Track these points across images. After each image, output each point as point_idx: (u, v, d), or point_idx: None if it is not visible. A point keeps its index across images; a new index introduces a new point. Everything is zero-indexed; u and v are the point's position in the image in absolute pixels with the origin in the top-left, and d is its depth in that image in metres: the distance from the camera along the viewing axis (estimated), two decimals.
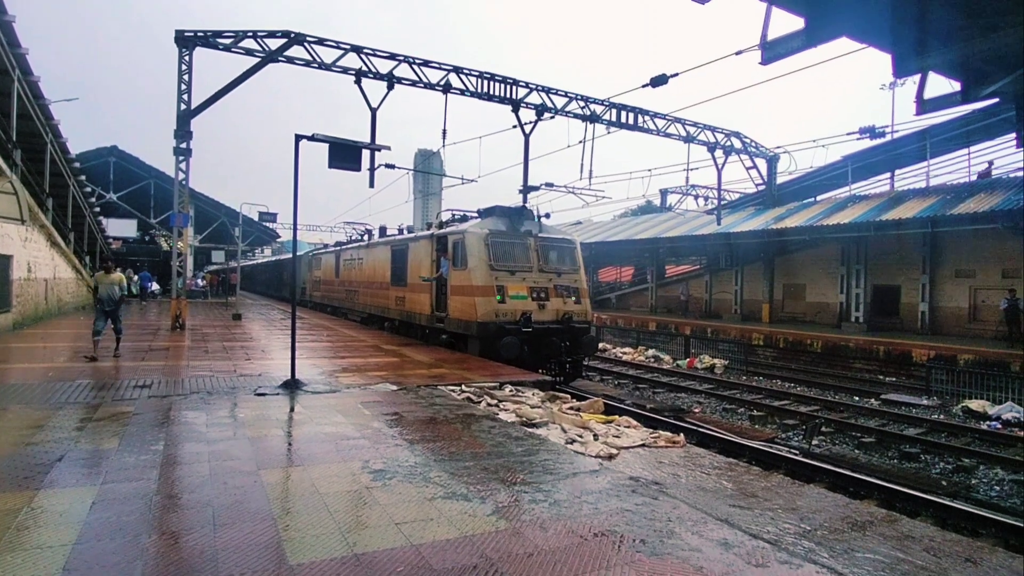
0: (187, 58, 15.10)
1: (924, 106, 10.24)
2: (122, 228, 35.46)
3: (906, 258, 22.16)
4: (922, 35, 8.04)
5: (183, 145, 15.19)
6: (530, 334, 12.06)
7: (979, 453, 9.90)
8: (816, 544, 3.69)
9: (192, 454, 5.02)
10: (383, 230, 20.64)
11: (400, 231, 19.52)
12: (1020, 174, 19.80)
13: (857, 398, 14.45)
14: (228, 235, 37.86)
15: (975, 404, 13.00)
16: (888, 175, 24.69)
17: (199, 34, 15.13)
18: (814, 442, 10.70)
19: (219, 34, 15.27)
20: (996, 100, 11.26)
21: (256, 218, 31.83)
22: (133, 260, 40.01)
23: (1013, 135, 13.75)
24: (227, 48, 15.33)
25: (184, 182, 15.51)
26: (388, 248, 17.49)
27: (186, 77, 15.11)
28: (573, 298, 13.11)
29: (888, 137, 22.93)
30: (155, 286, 35.15)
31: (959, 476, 9.11)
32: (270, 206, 26.86)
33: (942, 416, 12.71)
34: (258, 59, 15.51)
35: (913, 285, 21.98)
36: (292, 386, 8.09)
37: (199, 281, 36.78)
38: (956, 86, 10.03)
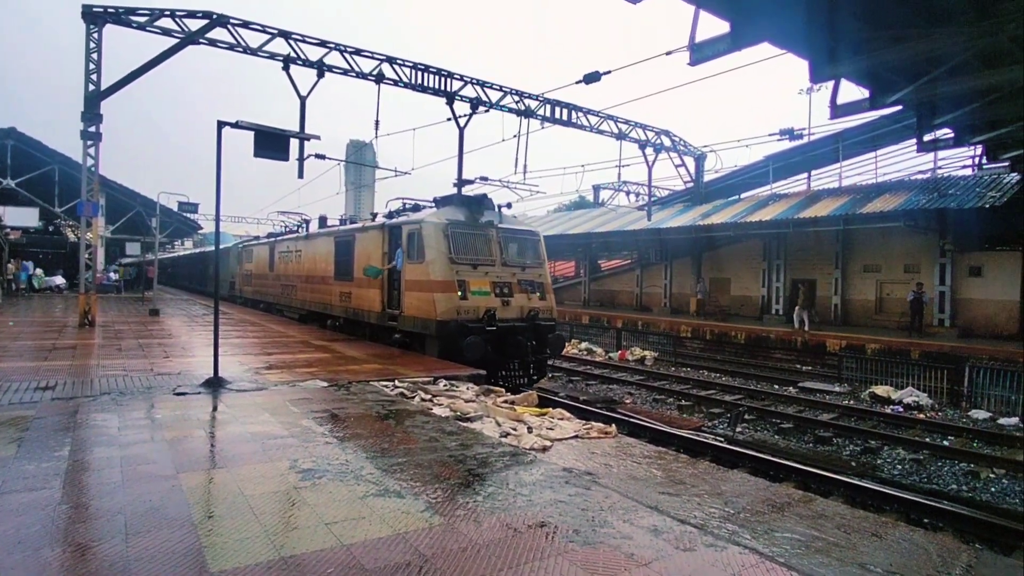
0: (95, 35, 14.04)
1: (837, 111, 10.90)
2: (22, 217, 32.54)
3: (821, 254, 23.58)
4: (834, 44, 8.56)
5: (92, 129, 14.12)
6: (494, 333, 11.28)
7: (884, 435, 10.69)
8: (739, 526, 3.86)
9: (102, 459, 4.68)
10: (323, 220, 19.46)
11: (342, 221, 18.39)
12: (920, 177, 21.48)
13: (777, 386, 15.26)
14: (144, 226, 35.59)
15: (881, 390, 14.00)
16: (806, 175, 26.21)
17: (109, 10, 14.08)
18: (738, 429, 11.22)
19: (132, 11, 14.27)
20: (900, 108, 12.12)
21: (175, 208, 30.04)
22: (35, 252, 36.98)
23: (915, 140, 14.92)
24: (141, 27, 14.35)
25: (93, 168, 14.45)
26: (331, 239, 16.23)
27: (95, 56, 14.04)
28: (538, 294, 12.43)
29: (805, 139, 24.34)
30: (60, 280, 32.63)
31: (866, 457, 9.79)
32: (191, 196, 25.25)
33: (852, 402, 13.63)
34: (177, 40, 14.62)
35: (827, 279, 23.43)
36: (215, 384, 7.71)
37: (111, 275, 34.35)
38: (866, 93, 10.72)
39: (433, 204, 13.29)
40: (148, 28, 14.37)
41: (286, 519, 3.70)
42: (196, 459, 4.85)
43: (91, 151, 14.34)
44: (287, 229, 22.69)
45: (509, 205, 13.38)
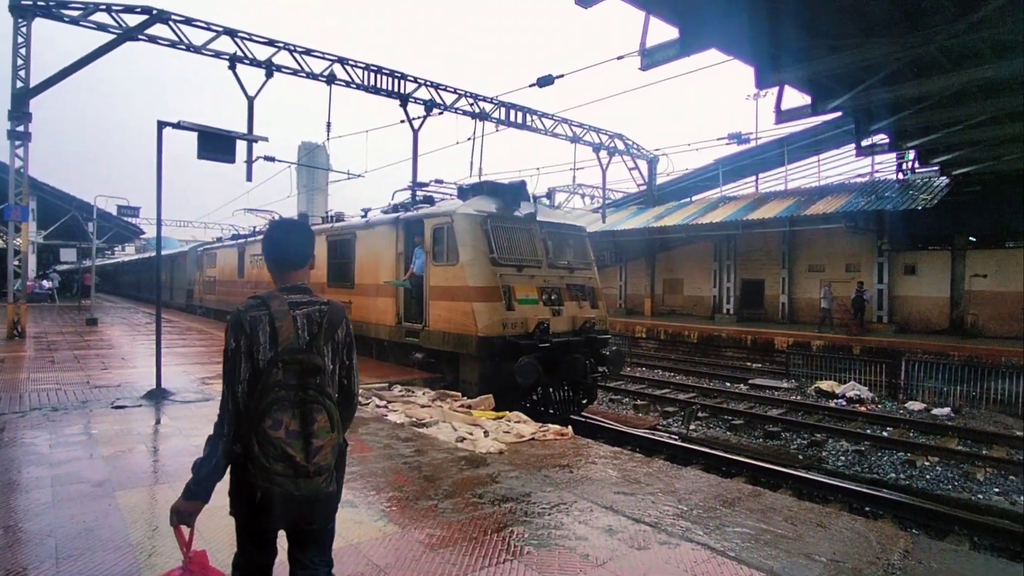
0: (24, 29, 13.28)
1: (781, 116, 11.27)
2: None
3: (769, 254, 24.40)
4: (777, 52, 8.86)
5: (20, 128, 13.36)
6: (547, 350, 9.17)
7: (828, 428, 11.10)
8: (692, 523, 3.92)
9: (31, 479, 4.40)
10: (303, 217, 17.79)
11: (329, 217, 15.24)
12: (860, 180, 22.48)
13: (728, 384, 15.65)
14: (81, 231, 33.87)
15: (825, 384, 14.55)
16: (754, 178, 27.06)
17: (39, 3, 13.36)
18: (691, 427, 11.45)
19: (64, 4, 13.56)
20: (840, 113, 12.65)
21: (115, 212, 28.69)
22: None
23: (854, 145, 15.65)
24: (74, 21, 13.65)
25: (22, 170, 13.66)
26: (323, 238, 13.45)
27: (23, 51, 13.28)
28: (589, 301, 10.51)
29: (753, 143, 25.15)
30: None
31: (812, 450, 10.14)
32: (132, 200, 24.15)
33: (798, 397, 14.10)
34: (114, 35, 13.97)
35: (775, 279, 24.26)
36: (158, 396, 7.39)
37: (44, 283, 32.53)
38: (808, 99, 11.12)
39: (455, 195, 11.33)
40: (82, 23, 13.67)
41: (231, 535, 3.54)
42: (135, 475, 4.62)
43: (19, 152, 13.56)
44: (255, 230, 20.72)
45: (549, 195, 11.76)
